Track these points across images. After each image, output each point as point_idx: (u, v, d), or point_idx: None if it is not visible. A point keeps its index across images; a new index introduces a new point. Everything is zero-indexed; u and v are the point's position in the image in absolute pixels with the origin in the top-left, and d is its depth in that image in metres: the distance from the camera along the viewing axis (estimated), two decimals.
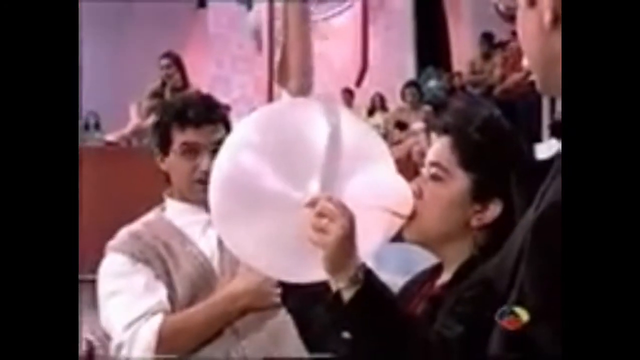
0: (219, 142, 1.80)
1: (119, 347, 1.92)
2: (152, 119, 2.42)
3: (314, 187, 1.30)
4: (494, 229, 1.43)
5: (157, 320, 1.90)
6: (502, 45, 8.50)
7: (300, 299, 1.52)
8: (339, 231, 1.25)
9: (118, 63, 11.83)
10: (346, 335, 1.30)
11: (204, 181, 1.97)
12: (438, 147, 1.48)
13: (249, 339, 1.93)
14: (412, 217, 1.43)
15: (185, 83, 6.18)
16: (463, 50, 10.01)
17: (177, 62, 6.29)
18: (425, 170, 1.48)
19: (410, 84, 9.10)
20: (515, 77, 7.66)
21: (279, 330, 1.93)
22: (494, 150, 1.44)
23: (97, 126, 10.32)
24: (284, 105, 2.07)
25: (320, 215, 1.27)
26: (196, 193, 2.00)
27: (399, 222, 1.42)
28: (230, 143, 1.41)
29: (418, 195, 1.44)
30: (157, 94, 6.18)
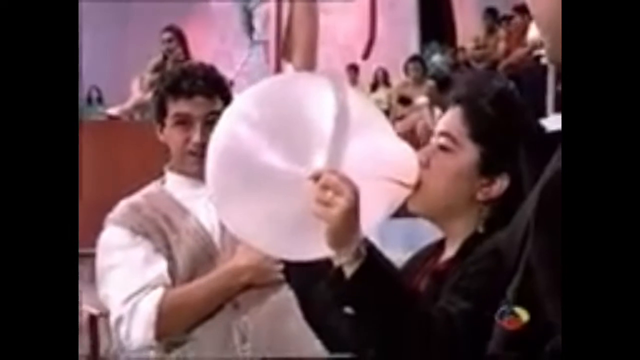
0: (216, 114, 1.77)
1: (118, 321, 1.91)
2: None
3: (318, 163, 1.27)
4: (500, 203, 1.41)
5: (157, 294, 1.89)
6: (507, 19, 8.46)
7: (303, 275, 1.50)
8: (344, 204, 1.23)
9: (121, 37, 11.78)
10: (348, 310, 1.29)
11: (195, 153, 1.95)
12: (449, 117, 1.45)
13: (251, 314, 1.92)
14: (417, 187, 1.41)
15: (187, 57, 6.14)
16: (467, 24, 9.96)
17: (178, 36, 6.25)
18: (434, 140, 1.46)
19: (414, 58, 9.06)
20: (520, 52, 7.62)
21: (281, 305, 1.92)
22: (505, 123, 1.41)
23: (100, 100, 10.33)
24: (285, 78, 2.04)
25: (325, 187, 1.24)
26: (189, 165, 1.98)
27: (405, 192, 1.39)
28: (227, 115, 1.37)
29: (425, 165, 1.42)
30: (159, 68, 6.15)
